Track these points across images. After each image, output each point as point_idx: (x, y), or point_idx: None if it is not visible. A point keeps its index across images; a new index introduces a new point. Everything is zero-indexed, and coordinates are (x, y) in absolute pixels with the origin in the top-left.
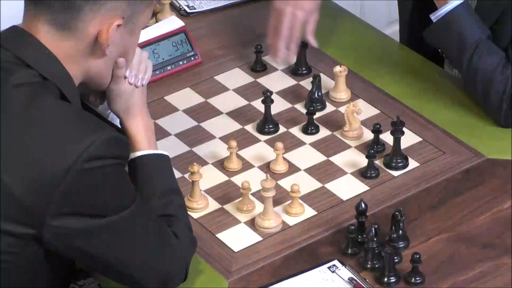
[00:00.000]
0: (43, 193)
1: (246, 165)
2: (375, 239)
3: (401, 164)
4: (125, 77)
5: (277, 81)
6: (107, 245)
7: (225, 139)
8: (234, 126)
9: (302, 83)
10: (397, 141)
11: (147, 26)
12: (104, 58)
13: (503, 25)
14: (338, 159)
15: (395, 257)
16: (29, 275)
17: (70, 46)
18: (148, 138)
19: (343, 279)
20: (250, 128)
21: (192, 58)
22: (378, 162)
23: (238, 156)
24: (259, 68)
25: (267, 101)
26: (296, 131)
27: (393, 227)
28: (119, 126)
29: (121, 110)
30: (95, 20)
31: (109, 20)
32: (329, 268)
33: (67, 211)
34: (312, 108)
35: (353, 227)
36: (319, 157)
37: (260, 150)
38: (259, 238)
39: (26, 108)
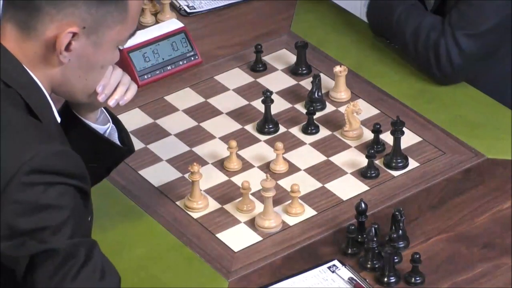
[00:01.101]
0: None
1: (246, 165)
2: (375, 239)
3: (401, 164)
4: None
5: (277, 81)
6: (48, 276)
7: (225, 139)
8: (234, 126)
9: (302, 83)
10: (397, 141)
11: (147, 27)
12: (64, 67)
13: None
14: (338, 159)
15: (395, 257)
16: None
17: (30, 48)
18: None
19: (343, 279)
20: (250, 128)
21: (192, 58)
22: (378, 162)
23: (238, 156)
24: (259, 68)
25: (267, 101)
26: (296, 131)
27: (393, 227)
28: (117, 141)
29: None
30: (53, 24)
31: (67, 27)
32: (329, 268)
33: (9, 233)
34: (312, 108)
35: (353, 227)
36: (319, 157)
37: (260, 150)
38: (259, 238)
39: None
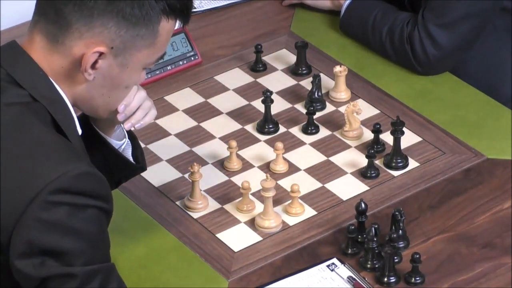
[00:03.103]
0: (5, 223)
1: (246, 165)
2: (375, 239)
3: (401, 164)
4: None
5: (277, 81)
6: None
7: (225, 139)
8: (234, 126)
9: (302, 83)
10: (397, 141)
11: None
12: (88, 84)
13: None
14: (338, 159)
15: (395, 257)
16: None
17: (57, 62)
18: None
19: (342, 278)
20: (250, 128)
21: (192, 58)
22: (378, 162)
23: (238, 156)
24: (259, 68)
25: (267, 101)
26: (296, 131)
27: (393, 227)
28: (131, 157)
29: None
30: (81, 41)
31: (95, 45)
32: (328, 266)
33: (28, 251)
34: (312, 108)
35: (353, 227)
36: (319, 157)
37: (260, 150)
38: (259, 238)
39: (8, 130)
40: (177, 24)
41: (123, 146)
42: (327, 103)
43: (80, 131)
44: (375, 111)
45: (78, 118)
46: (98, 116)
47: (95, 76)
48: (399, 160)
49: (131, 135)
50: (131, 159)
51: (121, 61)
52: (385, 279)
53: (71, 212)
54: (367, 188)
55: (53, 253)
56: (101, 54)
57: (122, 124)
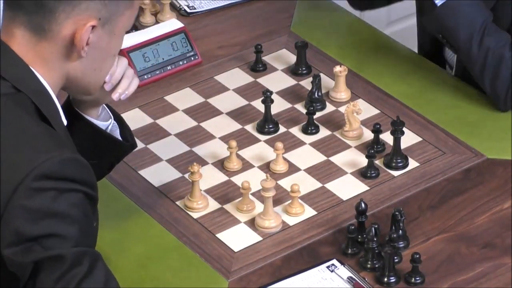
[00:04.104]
0: None
1: (246, 165)
2: (375, 239)
3: (401, 164)
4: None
5: (277, 81)
6: (52, 283)
7: (225, 139)
8: (234, 126)
9: (302, 83)
10: (397, 141)
11: (147, 27)
12: (81, 61)
13: (503, 7)
14: (338, 159)
15: (395, 257)
16: None
17: (46, 49)
18: None
19: (342, 279)
20: (250, 128)
21: (192, 58)
22: (378, 162)
23: (238, 156)
24: (259, 68)
25: (267, 101)
26: (296, 131)
27: (393, 227)
28: (119, 137)
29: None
30: (69, 21)
31: (84, 21)
32: (328, 267)
33: (17, 239)
34: (312, 108)
35: (353, 227)
36: (319, 157)
37: (260, 150)
38: (259, 238)
39: None
40: (177, 24)
41: (110, 126)
42: (327, 103)
43: (65, 122)
44: (375, 111)
45: (62, 108)
46: (89, 94)
47: (88, 51)
48: (399, 160)
49: (117, 116)
50: (120, 138)
51: (108, 30)
52: (385, 279)
53: (56, 197)
54: (367, 188)
55: (41, 239)
56: (93, 27)
57: (108, 102)
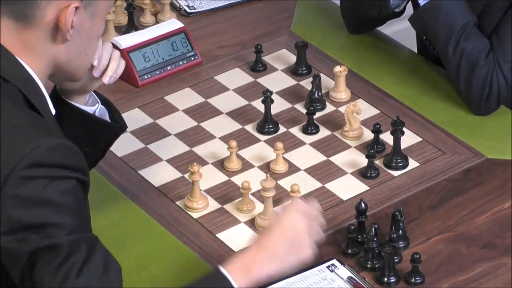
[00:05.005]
0: None
1: (246, 165)
2: (375, 239)
3: (401, 164)
4: (92, 66)
5: (277, 81)
6: (51, 273)
7: (225, 139)
8: (234, 126)
9: (302, 83)
10: (397, 141)
11: (147, 27)
12: (67, 45)
13: (488, 14)
14: (338, 159)
15: (395, 257)
16: None
17: (31, 36)
18: None
19: (342, 279)
20: (250, 128)
21: (192, 58)
22: (378, 162)
23: (238, 156)
24: (259, 68)
25: (267, 101)
26: (296, 131)
27: (393, 227)
28: (109, 120)
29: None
30: (51, 5)
31: (65, 4)
32: (328, 267)
33: (10, 229)
34: (312, 108)
35: (353, 227)
36: (319, 157)
37: (260, 150)
38: None
39: None
40: (177, 24)
41: (97, 111)
42: (327, 103)
43: (53, 111)
44: (375, 111)
45: (50, 97)
46: (77, 80)
47: (72, 35)
48: (399, 160)
49: (105, 100)
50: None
51: (90, 12)
52: (385, 279)
53: (47, 185)
54: (367, 188)
55: (35, 227)
56: (76, 9)
57: (95, 89)
